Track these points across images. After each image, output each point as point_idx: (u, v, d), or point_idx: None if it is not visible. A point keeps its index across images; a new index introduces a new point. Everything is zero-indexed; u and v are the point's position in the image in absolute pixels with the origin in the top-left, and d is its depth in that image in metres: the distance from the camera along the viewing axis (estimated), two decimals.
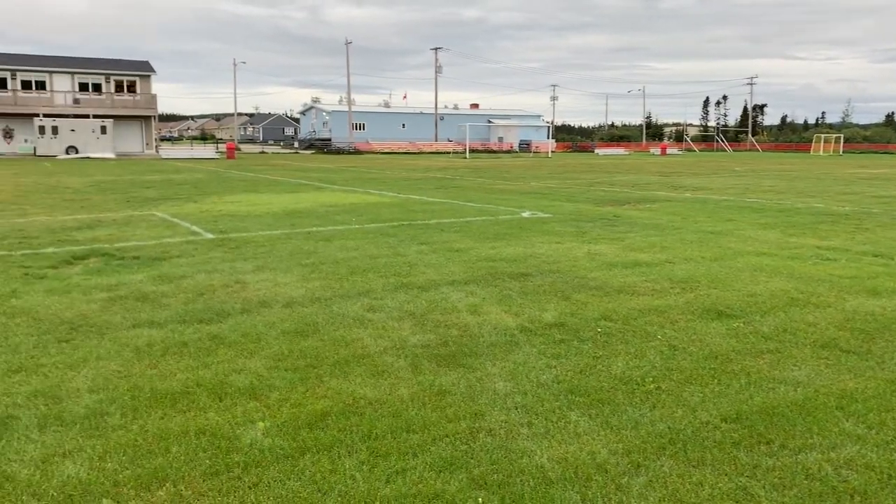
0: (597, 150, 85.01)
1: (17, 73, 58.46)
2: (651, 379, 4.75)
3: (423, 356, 5.13)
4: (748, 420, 4.08)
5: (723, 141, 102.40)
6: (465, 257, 9.26)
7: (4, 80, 57.86)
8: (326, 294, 7.14)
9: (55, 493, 3.17)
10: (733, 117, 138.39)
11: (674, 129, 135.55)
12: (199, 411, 4.10)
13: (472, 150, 68.56)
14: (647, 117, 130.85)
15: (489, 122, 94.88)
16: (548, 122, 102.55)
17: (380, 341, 5.48)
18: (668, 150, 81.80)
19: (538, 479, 3.36)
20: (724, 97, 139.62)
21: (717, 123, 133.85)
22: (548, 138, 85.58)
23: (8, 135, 58.09)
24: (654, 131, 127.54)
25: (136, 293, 7.14)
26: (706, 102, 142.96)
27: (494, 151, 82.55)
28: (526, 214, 14.64)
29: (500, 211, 15.32)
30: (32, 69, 59.05)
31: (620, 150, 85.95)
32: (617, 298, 7.00)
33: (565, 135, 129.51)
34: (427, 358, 5.09)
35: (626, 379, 4.75)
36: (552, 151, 74.45)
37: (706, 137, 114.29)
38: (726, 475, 3.46)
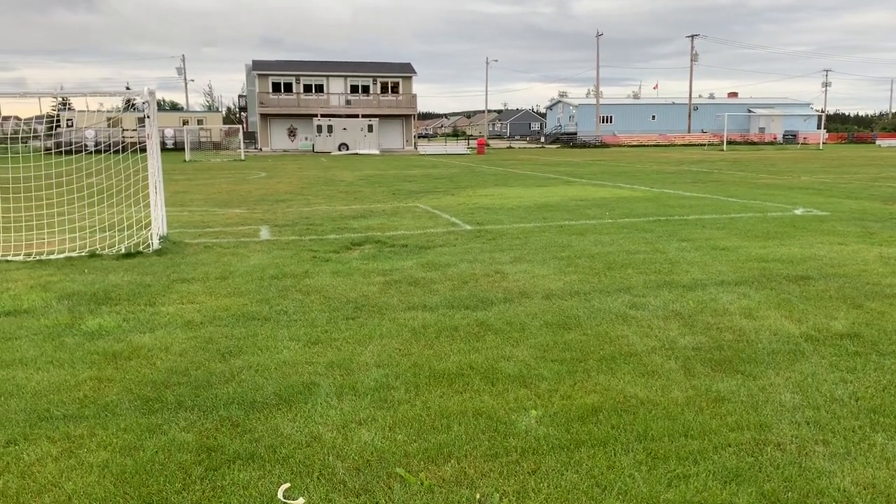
0: (878, 142, 75.08)
1: (301, 78, 65.89)
2: None
3: (695, 359, 4.87)
4: None
5: None
6: (733, 256, 8.66)
7: (290, 84, 65.54)
8: (585, 288, 7.09)
9: (355, 457, 3.49)
10: None
11: None
12: (473, 393, 4.28)
13: (730, 142, 64.14)
14: None
15: (749, 111, 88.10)
16: (818, 111, 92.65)
17: (646, 340, 5.31)
18: None
19: None
20: None
21: None
22: (818, 128, 77.36)
23: (292, 133, 65.80)
24: None
25: (408, 278, 7.66)
26: None
27: (755, 143, 76.56)
28: (799, 211, 13.34)
29: (768, 207, 14.13)
30: (312, 74, 66.19)
31: None
32: None
33: (838, 124, 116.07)
34: (700, 361, 4.83)
35: None
36: (823, 142, 67.14)
37: None
38: None
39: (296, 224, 12.65)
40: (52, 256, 9.36)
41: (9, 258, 9.28)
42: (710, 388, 4.33)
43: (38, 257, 9.30)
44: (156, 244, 9.81)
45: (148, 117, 9.93)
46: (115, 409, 4.08)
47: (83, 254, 9.49)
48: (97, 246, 9.78)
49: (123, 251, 9.61)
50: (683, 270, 7.86)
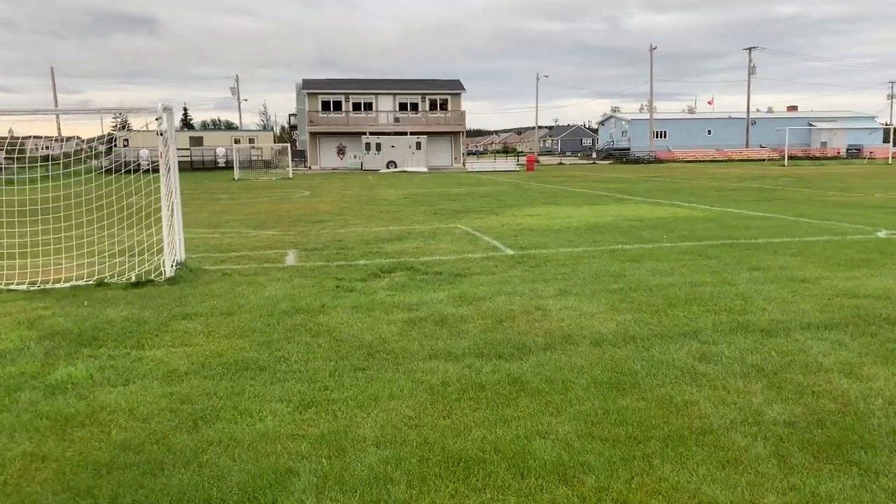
0: None
1: (350, 97, 65.96)
2: None
3: (790, 440, 3.74)
4: None
5: None
6: (816, 290, 7.41)
7: (339, 102, 65.65)
8: (642, 331, 5.99)
9: None
10: None
11: None
12: (496, 492, 3.25)
13: (791, 157, 61.48)
14: None
15: (810, 125, 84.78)
16: (883, 124, 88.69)
17: (723, 409, 4.19)
18: None
19: None
20: None
21: None
22: (884, 142, 73.84)
23: (341, 151, 65.80)
24: None
25: (434, 315, 6.67)
26: None
27: (817, 158, 73.51)
28: (882, 234, 11.90)
29: (845, 229, 12.71)
30: (361, 92, 66.21)
31: None
32: None
33: None
34: (797, 444, 3.69)
35: None
36: (893, 156, 63.80)
37: None
38: None
39: (326, 247, 11.81)
40: (57, 285, 8.68)
41: (12, 286, 8.64)
42: (815, 491, 3.20)
43: (42, 286, 8.63)
44: (168, 272, 9.06)
45: (161, 134, 9.23)
46: None
47: (91, 282, 8.80)
48: (106, 274, 9.07)
49: (133, 279, 8.88)
50: (759, 308, 6.68)
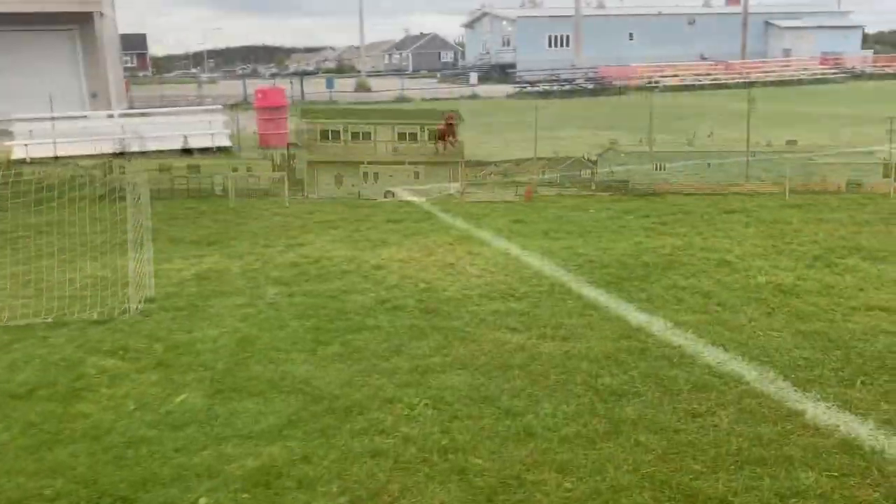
0: None
1: (349, 127, 65.96)
2: None
3: None
4: None
5: None
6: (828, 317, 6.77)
7: (338, 132, 65.63)
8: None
9: None
10: None
11: None
12: None
13: (791, 191, 61.19)
14: None
15: (809, 159, 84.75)
16: (883, 160, 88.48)
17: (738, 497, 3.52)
18: None
19: None
20: None
21: None
22: (885, 177, 73.36)
23: (338, 180, 65.68)
24: None
25: (418, 366, 6.02)
26: None
27: (816, 192, 73.19)
28: None
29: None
30: (360, 122, 66.23)
31: None
32: None
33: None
34: None
35: None
36: (894, 191, 63.30)
37: None
38: None
39: (310, 279, 11.16)
40: (11, 323, 8.03)
41: None
42: None
43: None
44: (134, 308, 8.43)
45: (129, 160, 8.66)
46: None
47: (49, 319, 8.15)
48: (66, 310, 8.41)
49: (95, 317, 8.24)
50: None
